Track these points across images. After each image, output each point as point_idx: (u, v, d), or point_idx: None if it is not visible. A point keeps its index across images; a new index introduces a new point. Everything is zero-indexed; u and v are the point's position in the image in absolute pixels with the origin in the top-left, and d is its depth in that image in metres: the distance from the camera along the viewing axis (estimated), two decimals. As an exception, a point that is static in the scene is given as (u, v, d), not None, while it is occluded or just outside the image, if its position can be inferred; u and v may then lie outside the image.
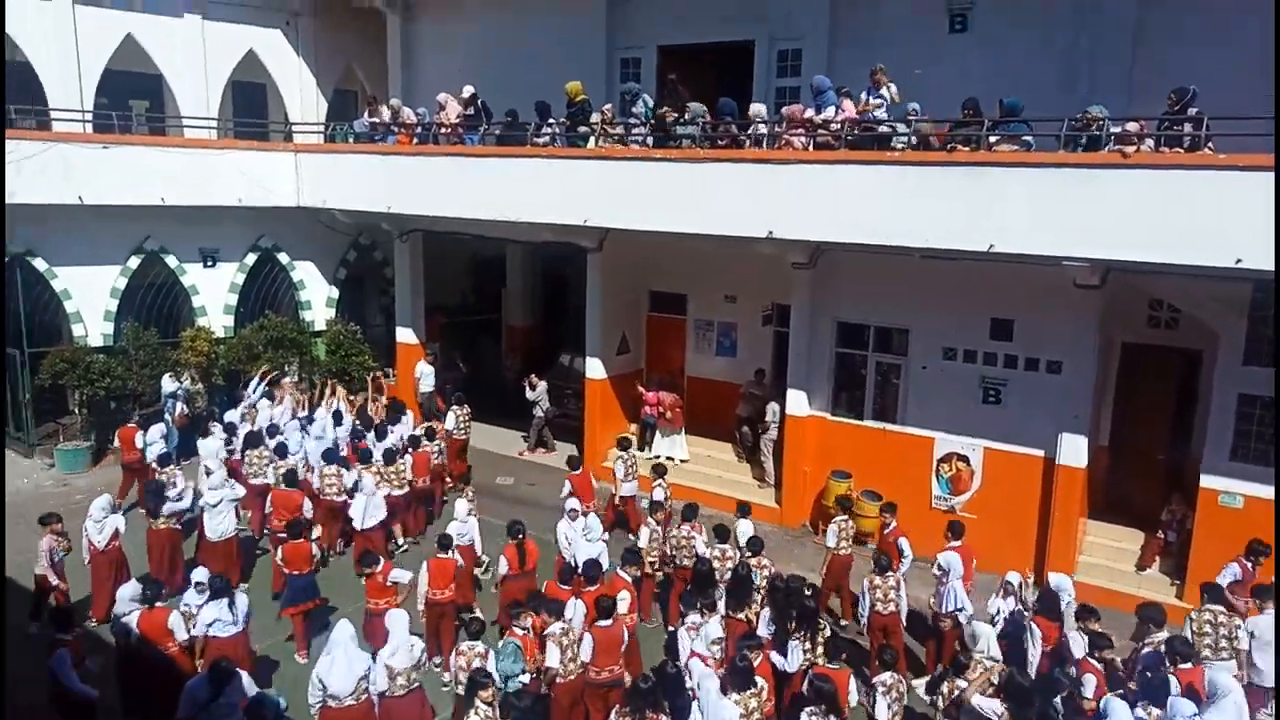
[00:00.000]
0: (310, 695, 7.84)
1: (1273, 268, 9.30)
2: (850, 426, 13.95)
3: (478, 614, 10.26)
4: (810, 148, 12.25)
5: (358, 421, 14.60)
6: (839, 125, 12.07)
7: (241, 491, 11.95)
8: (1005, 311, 12.53)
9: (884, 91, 11.89)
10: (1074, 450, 12.01)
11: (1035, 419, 12.36)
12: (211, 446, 13.30)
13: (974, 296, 12.60)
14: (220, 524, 11.50)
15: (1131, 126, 10.25)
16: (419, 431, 14.33)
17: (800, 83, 14.18)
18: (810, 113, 12.31)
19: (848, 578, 11.37)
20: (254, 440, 13.26)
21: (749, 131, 12.76)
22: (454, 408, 15.58)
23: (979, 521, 12.74)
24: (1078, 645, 8.38)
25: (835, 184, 11.72)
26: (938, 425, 13.16)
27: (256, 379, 16.23)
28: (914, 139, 11.53)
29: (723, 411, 15.68)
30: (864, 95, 12.06)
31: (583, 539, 10.58)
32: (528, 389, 17.35)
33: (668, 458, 15.85)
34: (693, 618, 8.75)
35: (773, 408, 14.60)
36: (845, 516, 11.27)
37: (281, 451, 12.91)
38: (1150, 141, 10.27)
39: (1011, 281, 12.09)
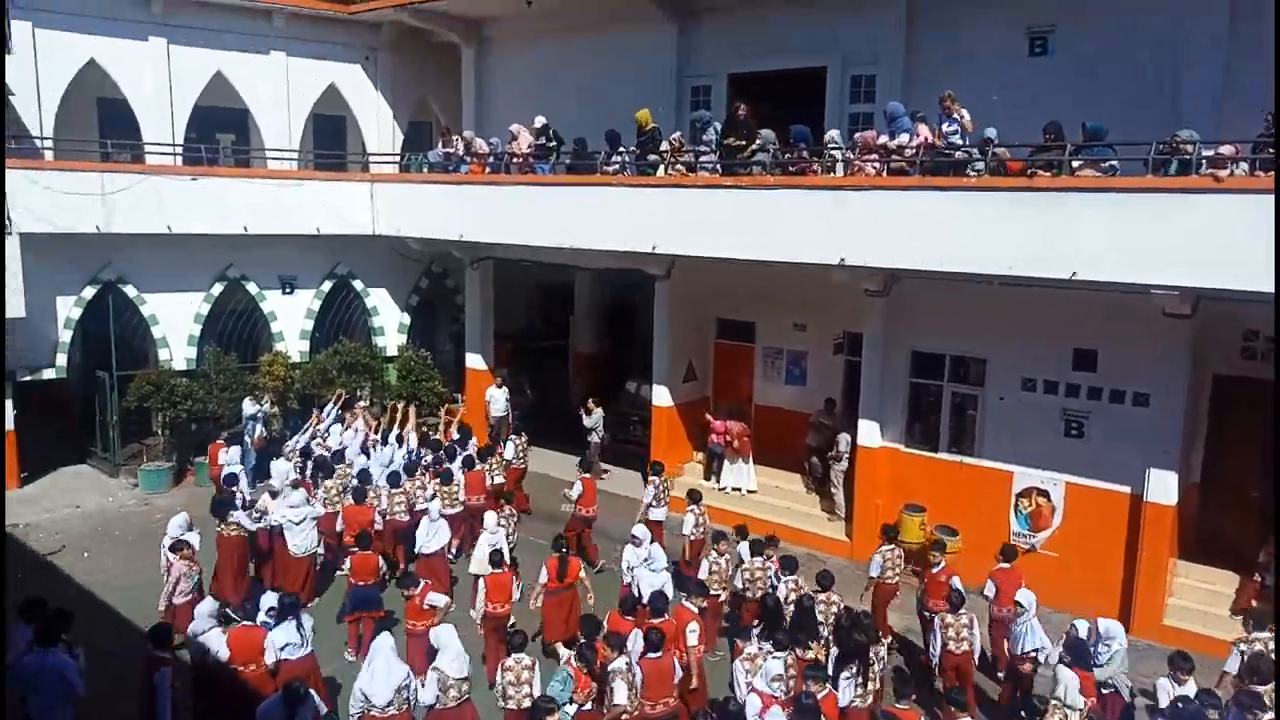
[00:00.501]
0: (351, 706, 8.00)
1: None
2: (924, 459, 13.61)
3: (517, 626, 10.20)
4: (884, 174, 12.06)
5: (424, 450, 14.77)
6: (913, 151, 11.87)
7: (322, 510, 12.25)
8: (1089, 341, 12.10)
9: (955, 118, 11.65)
10: (1163, 487, 11.47)
11: (1121, 454, 11.85)
12: (283, 468, 13.55)
13: (1055, 326, 12.19)
14: (303, 540, 11.80)
15: (1226, 150, 9.83)
16: (471, 452, 14.42)
17: (874, 109, 14.03)
18: (884, 139, 12.15)
19: (886, 608, 11.25)
20: (325, 468, 13.45)
21: (822, 156, 12.61)
22: (512, 437, 15.67)
23: (1061, 560, 12.26)
24: (1164, 693, 7.95)
25: (910, 210, 11.50)
26: (1017, 458, 12.76)
27: (332, 403, 16.54)
28: (991, 165, 11.25)
29: (792, 441, 15.45)
30: (938, 117, 11.82)
31: (647, 569, 10.45)
32: (584, 415, 17.41)
33: (734, 488, 15.70)
34: (749, 649, 8.54)
35: (843, 438, 14.33)
36: (891, 545, 11.18)
37: (365, 478, 13.03)
38: (1244, 165, 9.83)
39: (1095, 310, 11.67)
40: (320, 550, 12.10)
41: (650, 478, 13.55)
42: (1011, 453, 12.79)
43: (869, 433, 13.77)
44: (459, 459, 13.90)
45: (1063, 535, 12.44)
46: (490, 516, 11.62)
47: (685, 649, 8.93)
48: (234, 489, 12.55)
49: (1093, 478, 12.19)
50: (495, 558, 10.45)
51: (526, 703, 7.95)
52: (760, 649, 8.53)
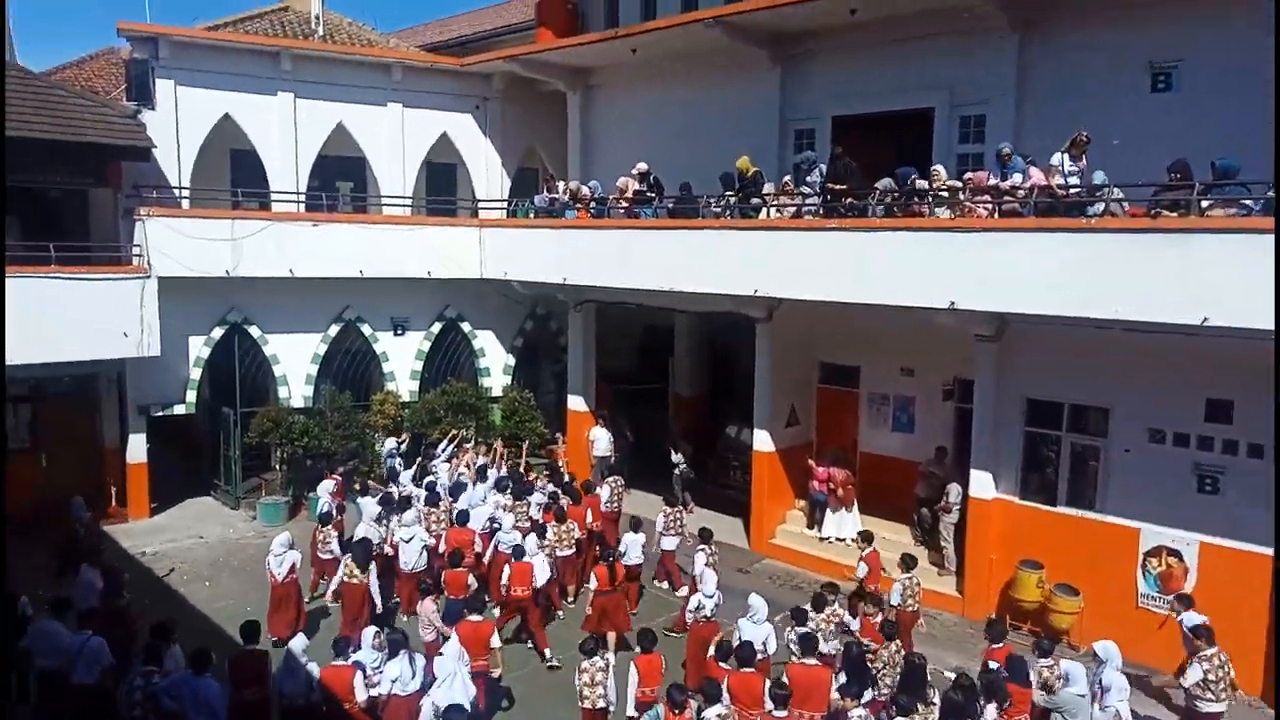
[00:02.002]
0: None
1: None
2: (1041, 512, 13.02)
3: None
4: (995, 216, 11.73)
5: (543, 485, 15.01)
6: (1025, 192, 11.49)
7: (430, 539, 13.03)
8: (1223, 391, 11.35)
9: (1083, 160, 11.23)
10: (1312, 550, 10.56)
11: (1261, 513, 11.00)
12: (371, 510, 13.67)
13: (1186, 374, 11.51)
14: (412, 558, 12.74)
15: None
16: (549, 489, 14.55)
17: (984, 149, 13.70)
18: (995, 180, 11.82)
19: (910, 636, 11.39)
20: (432, 498, 13.98)
21: (929, 194, 12.36)
22: (607, 480, 15.66)
23: (1196, 626, 11.39)
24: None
25: (1024, 253, 11.13)
26: (1144, 515, 12.05)
27: (446, 440, 16.96)
28: (1108, 207, 10.79)
29: (899, 491, 15.04)
30: (1059, 159, 11.40)
31: (749, 621, 10.25)
32: (672, 453, 17.45)
33: (838, 537, 15.34)
34: (856, 713, 8.24)
35: (954, 488, 13.86)
36: (910, 575, 11.54)
37: (463, 519, 13.38)
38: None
39: (1231, 358, 10.95)
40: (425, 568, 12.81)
41: (662, 508, 14.09)
42: (1138, 509, 12.10)
43: (981, 483, 13.29)
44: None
45: (1197, 598, 11.54)
46: (508, 519, 12.92)
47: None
48: (325, 528, 13.28)
49: (1230, 538, 11.38)
50: (646, 639, 9.66)
51: (601, 703, 9.06)
52: (849, 702, 8.34)
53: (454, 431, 17.65)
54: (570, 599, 13.62)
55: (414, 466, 15.87)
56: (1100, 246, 10.54)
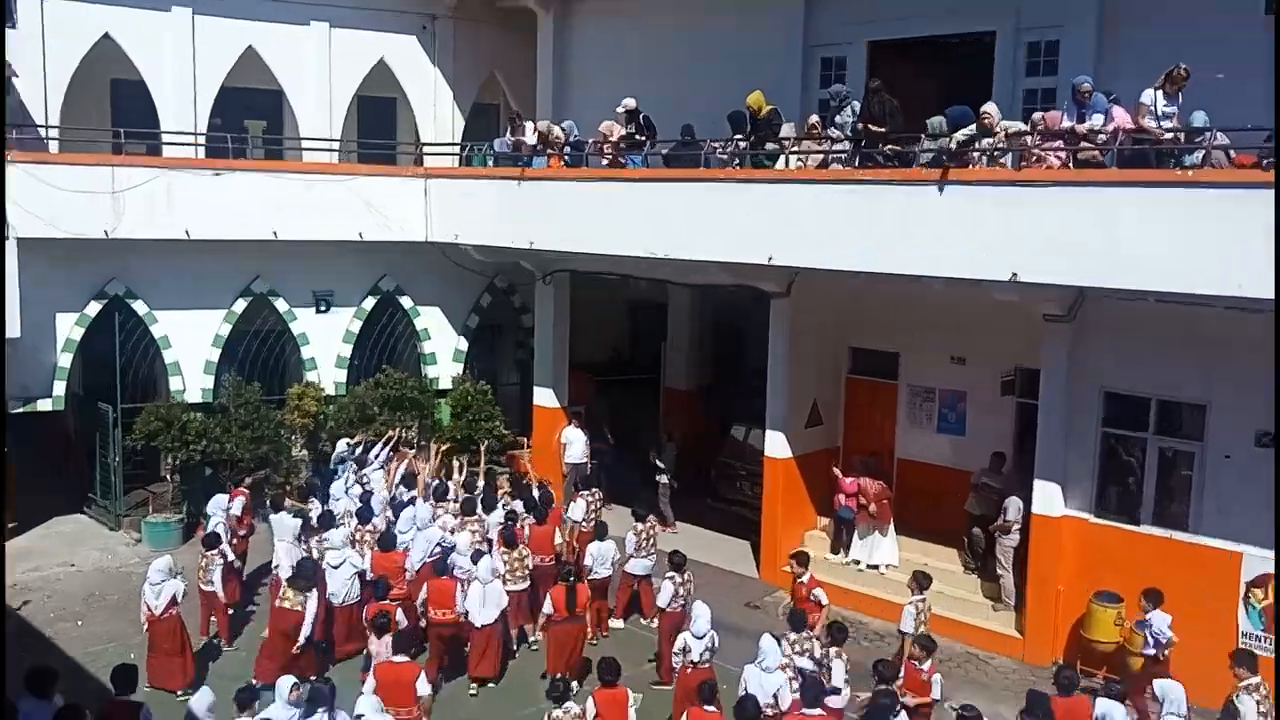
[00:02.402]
0: None
1: None
2: (1121, 532, 13.15)
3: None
4: (1070, 165, 11.76)
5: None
6: (1106, 137, 11.53)
7: (364, 565, 13.12)
8: (1350, 385, 11.46)
9: (1179, 99, 11.28)
10: None
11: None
12: (288, 525, 13.77)
13: (1303, 363, 11.58)
14: (341, 588, 12.82)
15: None
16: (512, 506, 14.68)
17: (1056, 83, 13.73)
18: (1070, 122, 11.85)
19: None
20: (365, 515, 14.05)
21: (982, 145, 12.38)
22: (582, 493, 15.71)
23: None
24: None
25: (1104, 211, 11.17)
26: (1247, 536, 12.19)
27: (381, 444, 16.90)
28: (1209, 156, 10.85)
29: (945, 507, 15.10)
30: (1150, 97, 11.42)
31: (757, 667, 10.31)
32: (653, 456, 17.68)
33: (869, 564, 15.40)
34: None
35: (1013, 504, 13.93)
36: (923, 597, 11.92)
37: (388, 542, 13.44)
38: None
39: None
40: (359, 599, 12.92)
41: (633, 524, 14.36)
42: (1241, 528, 12.23)
43: (1047, 497, 13.36)
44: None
45: (1311, 639, 11.75)
46: (464, 538, 13.03)
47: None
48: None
49: (1353, 564, 11.50)
50: (608, 670, 10.16)
51: None
52: None
53: (390, 432, 17.56)
54: (530, 641, 13.62)
55: (344, 476, 15.77)
56: (1200, 204, 10.59)
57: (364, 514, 14.12)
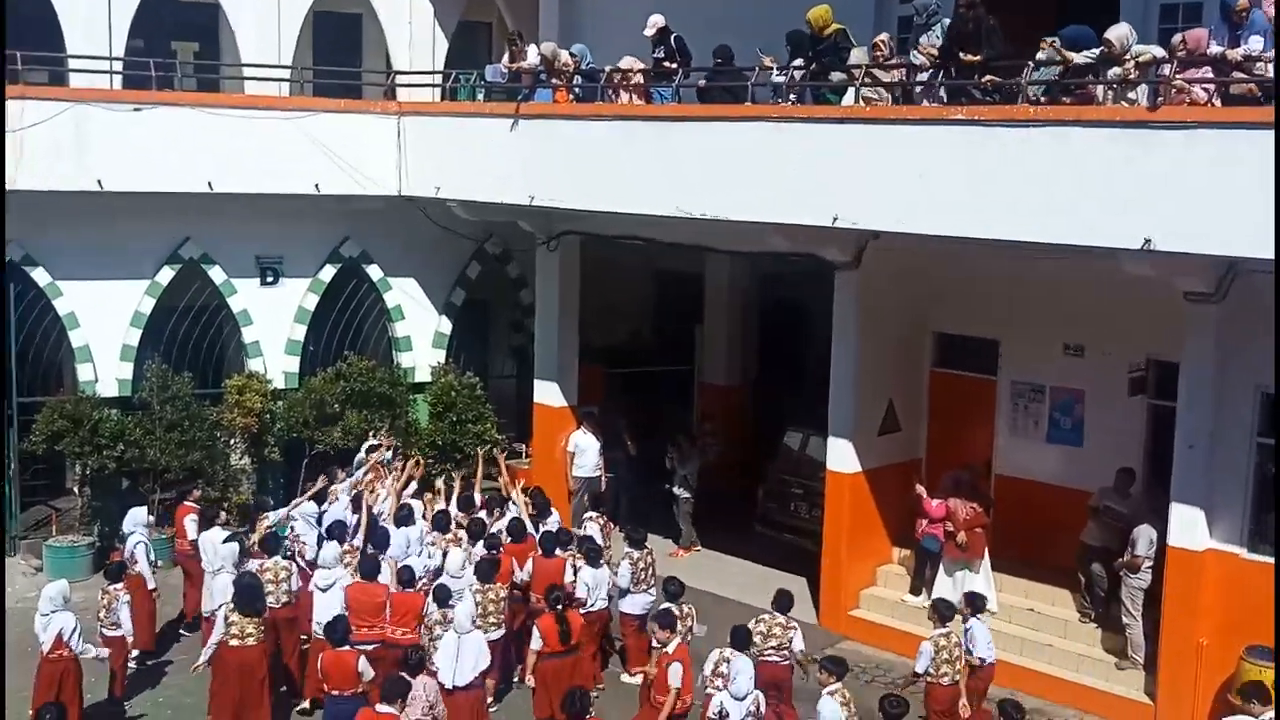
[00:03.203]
0: None
1: None
2: (1282, 572, 13.09)
3: None
4: (1218, 102, 11.67)
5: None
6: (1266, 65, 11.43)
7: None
8: None
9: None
10: None
11: None
12: (223, 551, 13.97)
13: None
14: (327, 615, 12.75)
15: None
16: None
17: (1202, -1, 13.66)
18: (1221, 46, 11.74)
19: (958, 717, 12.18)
20: (273, 545, 14.12)
21: (1107, 75, 12.31)
22: (589, 514, 15.88)
23: None
24: None
25: (1261, 161, 11.01)
26: None
27: (363, 450, 17.21)
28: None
29: (1057, 536, 15.10)
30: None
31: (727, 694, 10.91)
32: (670, 459, 17.95)
33: (962, 609, 15.40)
34: None
35: (1144, 535, 13.90)
36: (947, 630, 12.34)
37: (369, 571, 13.47)
38: None
39: None
40: None
41: (626, 550, 14.43)
42: None
43: (1187, 526, 13.30)
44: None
45: None
46: (456, 555, 13.50)
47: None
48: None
49: None
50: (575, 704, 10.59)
51: None
52: None
53: (384, 438, 17.77)
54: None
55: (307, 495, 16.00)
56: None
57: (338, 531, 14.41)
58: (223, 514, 15.42)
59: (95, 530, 17.80)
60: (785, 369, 20.79)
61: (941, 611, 12.56)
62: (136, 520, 14.88)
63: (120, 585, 13.42)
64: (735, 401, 21.15)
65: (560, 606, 12.78)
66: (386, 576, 13.48)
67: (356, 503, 15.61)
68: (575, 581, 13.83)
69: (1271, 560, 13.13)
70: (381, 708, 10.60)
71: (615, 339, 22.18)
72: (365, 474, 16.36)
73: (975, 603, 12.95)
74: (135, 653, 14.06)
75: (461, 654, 12.17)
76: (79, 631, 12.41)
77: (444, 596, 12.71)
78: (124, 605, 13.32)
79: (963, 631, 12.62)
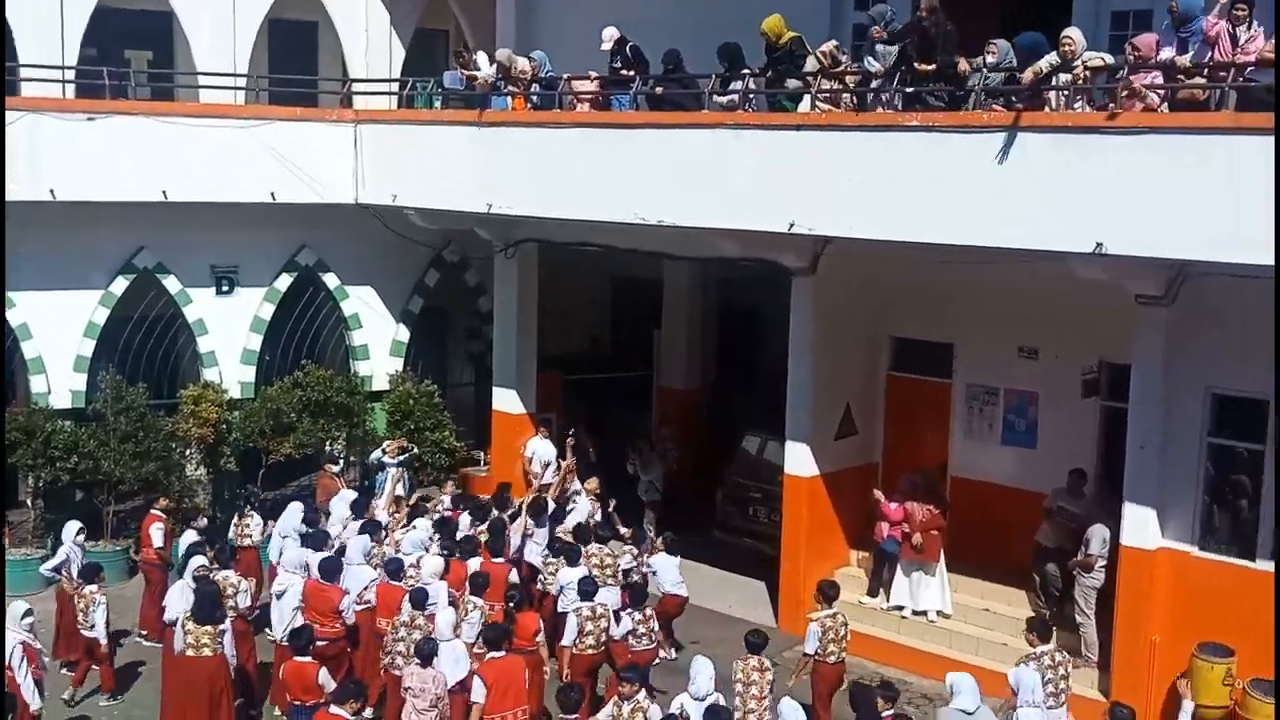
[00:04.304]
0: None
1: None
2: (1231, 569, 13.26)
3: None
4: (1165, 108, 11.84)
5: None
6: (1213, 68, 11.60)
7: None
8: None
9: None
10: None
11: None
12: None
13: None
14: (280, 622, 13.06)
15: None
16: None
17: (1153, 3, 13.80)
18: (1170, 51, 11.93)
19: (830, 699, 12.88)
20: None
21: (1060, 81, 12.47)
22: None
23: None
24: None
25: (1219, 165, 11.20)
26: (1390, 573, 12.25)
27: (382, 454, 17.58)
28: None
29: (1012, 537, 15.18)
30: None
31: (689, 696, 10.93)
32: (630, 463, 17.97)
33: (916, 610, 15.52)
34: None
35: (1098, 534, 14.04)
36: (832, 611, 12.81)
37: (330, 570, 13.44)
38: None
39: None
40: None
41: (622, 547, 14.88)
42: (1382, 563, 12.31)
43: (1139, 525, 13.45)
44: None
45: None
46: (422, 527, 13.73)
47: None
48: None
49: None
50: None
51: None
52: None
53: (393, 442, 17.99)
54: None
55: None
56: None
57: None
58: (203, 519, 15.57)
59: (49, 543, 17.52)
60: (743, 374, 20.86)
61: (826, 592, 13.00)
62: (68, 534, 14.78)
63: (94, 588, 13.39)
64: (693, 406, 21.17)
65: (512, 604, 12.84)
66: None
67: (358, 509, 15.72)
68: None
69: (1222, 558, 13.37)
70: (334, 709, 10.59)
71: (574, 345, 22.19)
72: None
73: (826, 592, 13.18)
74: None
75: (442, 659, 12.11)
76: (20, 655, 12.00)
77: (420, 599, 12.59)
78: (100, 607, 13.30)
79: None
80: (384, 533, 15.06)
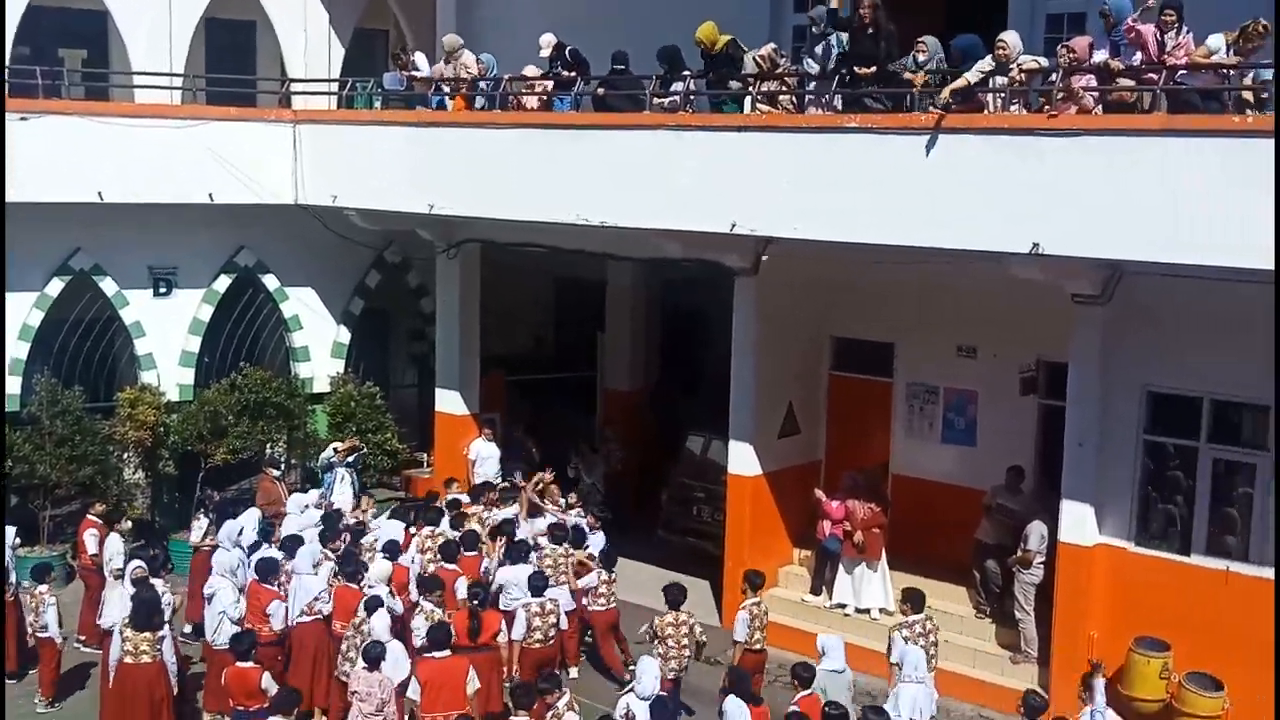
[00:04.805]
0: None
1: None
2: (1168, 564, 13.42)
3: None
4: (1100, 110, 11.97)
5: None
6: (1147, 68, 11.74)
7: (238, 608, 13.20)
8: None
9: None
10: None
11: None
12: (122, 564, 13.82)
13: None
14: (209, 624, 13.01)
15: None
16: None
17: (1087, 6, 13.88)
18: (1103, 54, 12.04)
19: (760, 685, 12.83)
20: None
21: (996, 83, 12.58)
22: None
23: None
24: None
25: (1152, 166, 11.34)
26: (1321, 568, 12.44)
27: (333, 453, 17.48)
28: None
29: (953, 534, 15.30)
30: (1219, 44, 11.58)
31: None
32: (571, 467, 18.04)
33: (859, 608, 15.62)
34: None
35: (1036, 531, 14.16)
36: (757, 599, 13.33)
37: (266, 570, 13.41)
38: None
39: None
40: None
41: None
42: (1314, 558, 12.47)
43: (1077, 522, 13.58)
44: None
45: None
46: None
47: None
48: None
49: None
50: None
51: None
52: None
53: (341, 442, 17.92)
54: None
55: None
56: (1265, 155, 10.71)
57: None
58: (126, 521, 15.40)
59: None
60: (687, 374, 20.89)
61: (751, 581, 13.52)
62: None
63: (45, 588, 13.37)
64: (637, 407, 21.17)
65: (477, 601, 12.92)
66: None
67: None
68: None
69: (1159, 554, 13.52)
70: None
71: (517, 346, 22.11)
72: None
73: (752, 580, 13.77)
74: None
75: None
76: None
77: (374, 605, 12.55)
78: (50, 608, 13.25)
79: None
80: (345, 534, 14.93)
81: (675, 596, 13.07)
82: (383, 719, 11.38)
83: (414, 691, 11.40)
